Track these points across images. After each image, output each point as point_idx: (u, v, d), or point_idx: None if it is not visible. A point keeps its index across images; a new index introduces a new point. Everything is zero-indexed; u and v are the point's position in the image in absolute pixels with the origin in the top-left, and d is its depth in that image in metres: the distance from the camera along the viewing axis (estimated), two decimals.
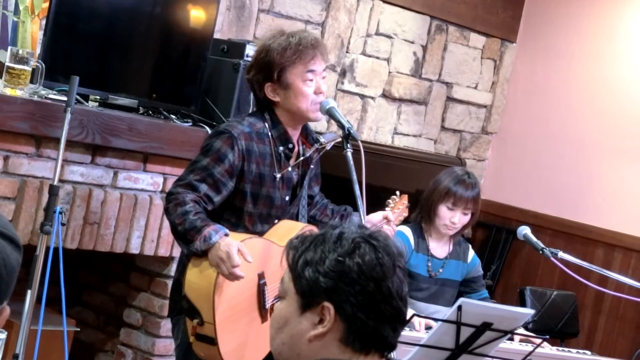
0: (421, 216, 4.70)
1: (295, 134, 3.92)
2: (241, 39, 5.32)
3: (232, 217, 3.87)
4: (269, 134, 3.86)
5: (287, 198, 3.92)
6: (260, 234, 3.88)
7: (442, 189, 4.62)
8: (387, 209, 4.21)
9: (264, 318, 3.77)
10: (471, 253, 4.83)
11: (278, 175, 3.86)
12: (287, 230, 3.88)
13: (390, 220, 4.13)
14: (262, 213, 3.87)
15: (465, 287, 4.79)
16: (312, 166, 4.03)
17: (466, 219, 4.65)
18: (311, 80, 3.82)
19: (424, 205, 4.67)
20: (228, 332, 3.65)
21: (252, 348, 3.77)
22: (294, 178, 3.95)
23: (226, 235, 3.62)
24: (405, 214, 4.35)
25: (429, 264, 4.68)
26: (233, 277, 3.57)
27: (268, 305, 3.76)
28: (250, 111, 4.55)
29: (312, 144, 3.99)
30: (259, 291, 3.75)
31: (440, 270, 4.71)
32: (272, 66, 3.79)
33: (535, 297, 5.78)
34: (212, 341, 3.63)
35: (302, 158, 3.96)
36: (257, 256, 3.73)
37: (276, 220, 3.92)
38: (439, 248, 4.73)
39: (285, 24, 5.62)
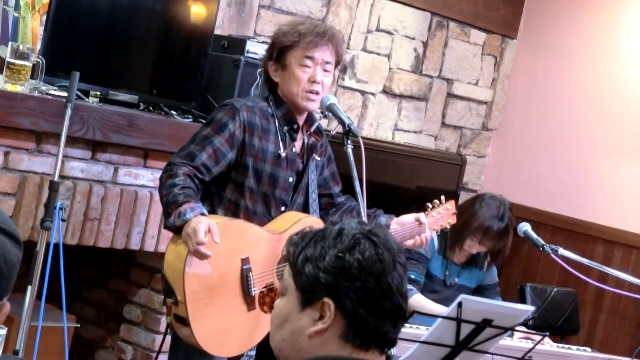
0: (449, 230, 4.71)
1: (299, 118, 3.94)
2: (242, 34, 5.32)
3: (233, 194, 3.87)
4: (273, 113, 3.88)
5: (290, 180, 3.92)
6: (262, 215, 3.87)
7: (477, 226, 4.64)
8: (425, 211, 4.14)
9: (250, 306, 3.73)
10: (490, 265, 4.87)
11: (283, 154, 3.87)
12: (286, 220, 3.88)
13: (422, 223, 4.03)
14: (266, 192, 3.87)
15: (479, 293, 4.82)
16: (317, 157, 4.02)
17: (482, 249, 4.72)
18: (308, 67, 3.83)
19: (458, 229, 4.59)
20: (203, 314, 3.63)
21: (236, 336, 3.74)
22: (298, 162, 3.95)
23: (202, 214, 3.60)
24: (452, 221, 4.23)
25: (447, 272, 4.72)
26: (199, 254, 3.55)
27: (254, 293, 3.74)
28: None
29: (314, 132, 3.99)
30: (242, 276, 3.72)
31: (456, 279, 4.75)
32: (274, 44, 3.87)
33: (535, 293, 5.78)
34: (185, 322, 3.61)
35: (306, 137, 3.95)
36: (241, 240, 3.72)
37: (283, 208, 3.92)
38: (458, 256, 4.77)
39: (285, 19, 5.61)
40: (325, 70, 3.86)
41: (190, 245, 3.56)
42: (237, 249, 3.71)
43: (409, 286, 4.50)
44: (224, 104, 3.91)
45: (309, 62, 3.82)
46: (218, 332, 3.68)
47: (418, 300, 4.48)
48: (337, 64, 3.94)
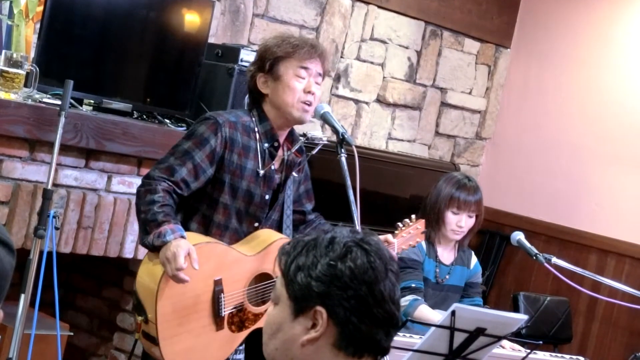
0: (428, 224, 4.70)
1: (281, 135, 3.91)
2: (236, 43, 5.33)
3: (207, 209, 3.85)
4: (256, 129, 3.85)
5: (267, 197, 3.90)
6: (234, 230, 3.86)
7: (445, 196, 4.66)
8: (395, 231, 4.13)
9: (218, 326, 3.73)
10: (474, 260, 4.89)
11: (261, 172, 3.85)
12: (260, 241, 3.86)
13: (390, 243, 4.02)
14: (239, 208, 3.85)
15: (463, 290, 4.83)
16: (294, 174, 4.00)
17: (471, 222, 4.72)
18: (303, 77, 3.81)
19: (430, 213, 4.67)
20: (172, 334, 3.63)
21: (202, 355, 3.73)
22: (275, 179, 3.93)
23: (182, 237, 3.60)
24: (420, 239, 4.24)
25: (437, 270, 4.73)
26: (177, 279, 3.55)
27: (224, 313, 3.73)
28: None
29: (296, 149, 3.98)
30: (213, 298, 3.71)
31: (447, 277, 4.76)
32: (267, 55, 3.82)
33: (528, 302, 5.79)
34: (154, 341, 3.62)
35: (286, 154, 3.93)
36: (215, 262, 3.71)
37: (256, 224, 3.90)
38: (446, 254, 4.78)
39: (279, 28, 5.62)
40: (317, 83, 3.85)
41: (169, 269, 3.55)
42: (211, 271, 3.70)
43: (415, 296, 4.51)
44: (206, 117, 3.86)
45: (303, 73, 3.80)
46: (185, 351, 3.69)
47: (424, 311, 4.47)
48: (322, 77, 3.94)
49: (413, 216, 4.24)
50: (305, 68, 3.81)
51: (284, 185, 3.96)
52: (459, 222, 4.68)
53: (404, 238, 4.15)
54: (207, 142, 3.76)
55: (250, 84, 3.91)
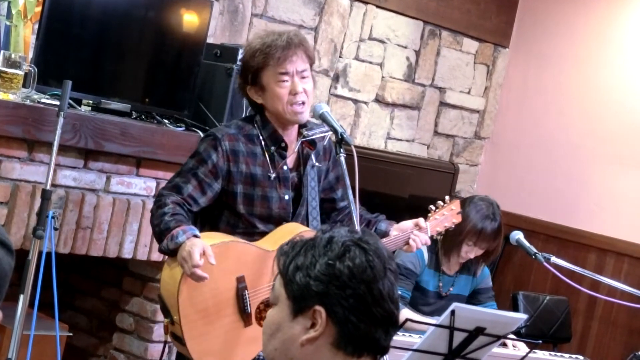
0: (441, 239, 4.66)
1: (288, 134, 3.91)
2: (234, 43, 5.32)
3: (230, 217, 3.89)
4: (259, 135, 3.87)
5: (287, 197, 3.90)
6: (261, 235, 3.87)
7: (469, 228, 4.63)
8: (428, 214, 4.13)
9: (246, 322, 3.75)
10: (481, 266, 4.87)
11: (273, 175, 3.86)
12: (284, 234, 3.85)
13: (422, 227, 4.00)
14: (261, 214, 3.87)
15: (472, 298, 4.83)
16: (317, 164, 3.99)
17: (479, 252, 4.70)
18: (286, 81, 3.80)
19: (451, 236, 4.59)
20: (198, 333, 3.65)
21: (233, 352, 3.75)
22: (292, 178, 3.93)
23: (195, 236, 3.63)
24: (456, 220, 4.18)
25: (440, 283, 4.72)
26: (195, 277, 3.57)
27: (250, 310, 3.75)
28: (243, 115, 4.61)
29: (307, 142, 3.98)
30: (237, 295, 3.73)
31: (451, 289, 4.75)
32: (247, 70, 3.85)
33: (528, 302, 5.79)
34: (181, 341, 3.66)
35: (298, 150, 3.94)
36: (235, 260, 3.73)
37: (284, 222, 3.92)
38: (451, 265, 4.77)
39: (278, 28, 5.61)
40: (303, 77, 3.84)
41: (187, 268, 3.58)
42: (232, 269, 3.72)
43: None
44: (207, 134, 3.93)
45: (285, 77, 3.79)
46: (214, 349, 3.72)
47: (405, 315, 4.46)
48: (311, 65, 3.92)
49: (447, 197, 4.20)
50: (284, 73, 3.80)
51: (304, 180, 3.97)
52: (468, 253, 4.69)
53: (437, 220, 4.12)
54: (209, 158, 3.81)
55: (245, 97, 3.95)
